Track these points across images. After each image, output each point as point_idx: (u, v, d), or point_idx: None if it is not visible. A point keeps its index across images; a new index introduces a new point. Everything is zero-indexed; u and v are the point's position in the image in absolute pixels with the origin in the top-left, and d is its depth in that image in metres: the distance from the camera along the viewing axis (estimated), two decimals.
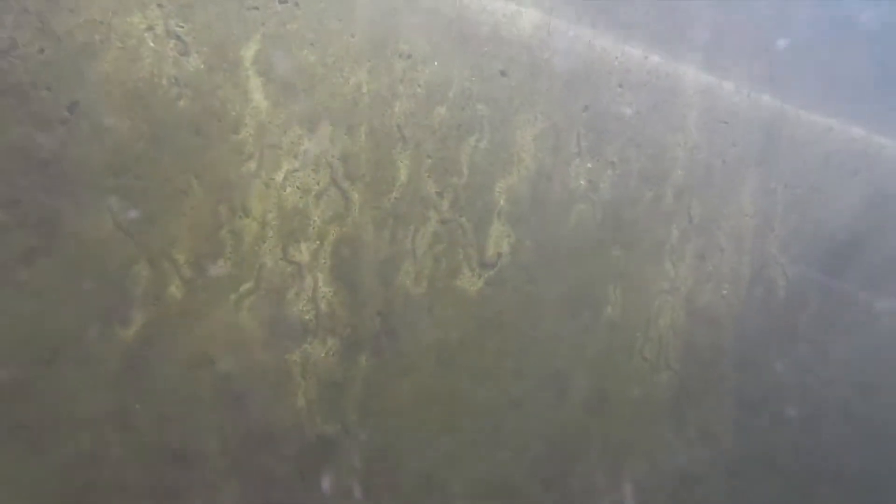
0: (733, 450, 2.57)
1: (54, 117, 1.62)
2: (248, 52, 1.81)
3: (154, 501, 1.75)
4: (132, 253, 1.75)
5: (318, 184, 1.93)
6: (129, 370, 1.74)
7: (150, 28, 1.69)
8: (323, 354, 1.95)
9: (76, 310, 1.69)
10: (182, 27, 1.74)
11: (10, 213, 1.59)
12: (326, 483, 1.94)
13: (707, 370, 2.50)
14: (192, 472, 1.79)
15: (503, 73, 2.17)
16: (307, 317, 1.94)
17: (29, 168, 1.60)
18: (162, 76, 1.72)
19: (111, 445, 1.72)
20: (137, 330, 1.75)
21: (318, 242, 1.95)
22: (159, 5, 1.70)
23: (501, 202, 2.19)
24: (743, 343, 2.62)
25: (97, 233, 1.72)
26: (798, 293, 2.76)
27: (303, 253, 1.93)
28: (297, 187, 1.90)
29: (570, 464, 2.29)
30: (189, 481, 1.79)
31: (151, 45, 1.70)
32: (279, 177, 1.87)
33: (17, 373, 1.64)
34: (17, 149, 1.59)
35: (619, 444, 2.37)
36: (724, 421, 2.59)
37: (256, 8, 1.81)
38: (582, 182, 2.32)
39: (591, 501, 2.30)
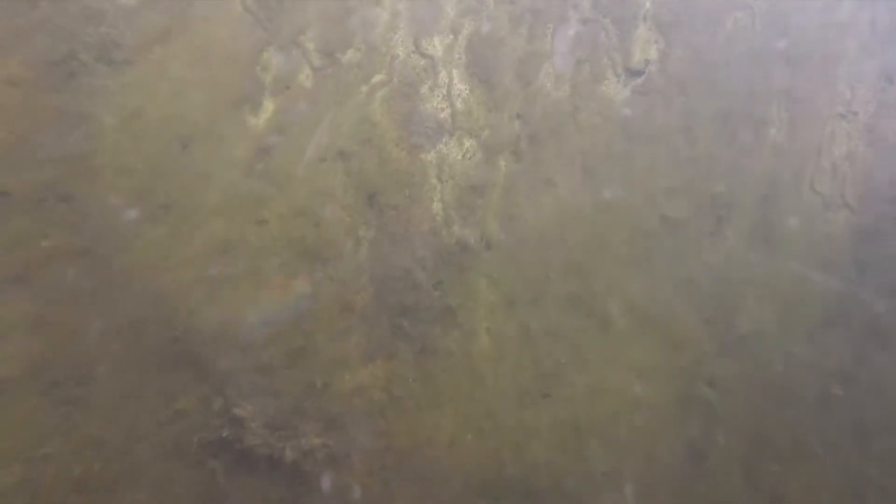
0: None
1: None
2: None
3: (283, 290, 1.67)
4: (262, 38, 1.68)
5: None
6: (261, 156, 1.67)
7: None
8: (459, 156, 1.81)
9: (209, 95, 1.64)
10: None
11: None
12: (461, 294, 1.80)
13: (893, 211, 2.14)
14: (326, 268, 1.70)
15: None
16: (442, 115, 1.80)
17: None
18: None
19: (246, 236, 1.66)
20: (268, 118, 1.68)
21: (451, 36, 1.81)
22: None
23: (647, 4, 1.96)
24: None
25: (227, 15, 1.66)
26: None
27: (436, 47, 1.79)
28: None
29: (731, 302, 2.02)
30: (320, 277, 1.70)
31: None
32: None
33: (155, 155, 1.60)
34: None
35: (788, 288, 2.07)
36: None
37: None
38: None
39: (763, 349, 2.02)
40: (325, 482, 1.67)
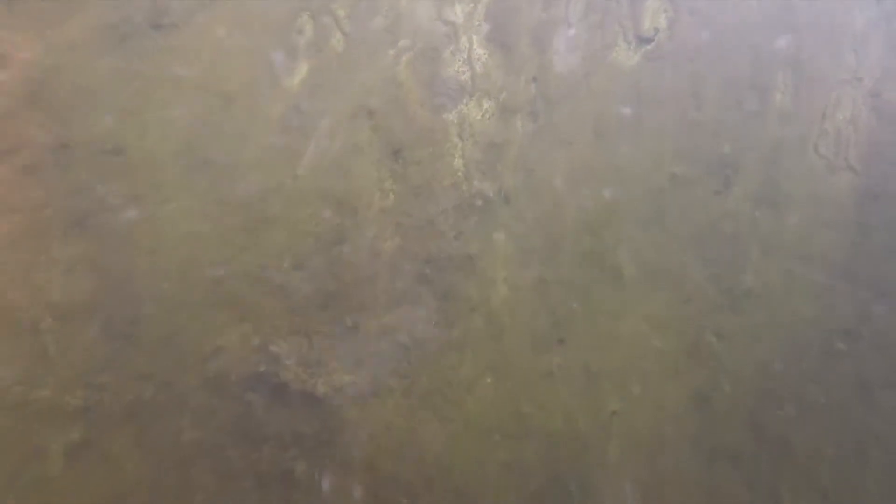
0: None
1: None
2: None
3: (316, 239, 1.80)
4: (297, 5, 1.81)
5: None
6: (295, 114, 1.80)
7: None
8: (479, 116, 1.93)
9: (247, 57, 1.78)
10: None
11: None
12: (480, 244, 1.92)
13: None
14: (355, 217, 1.83)
15: None
16: (463, 77, 1.92)
17: None
18: None
19: (281, 187, 1.79)
20: (302, 79, 1.81)
21: (472, 5, 1.93)
22: None
23: None
24: None
25: None
26: None
27: (457, 14, 1.92)
28: None
29: (738, 258, 2.12)
30: (349, 225, 1.83)
31: None
32: None
33: (199, 112, 1.74)
34: None
35: (792, 246, 2.17)
36: None
37: None
38: None
39: (768, 303, 2.12)
40: (352, 416, 1.80)
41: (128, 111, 1.69)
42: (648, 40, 2.07)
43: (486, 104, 1.94)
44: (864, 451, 2.15)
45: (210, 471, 1.73)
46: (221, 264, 1.73)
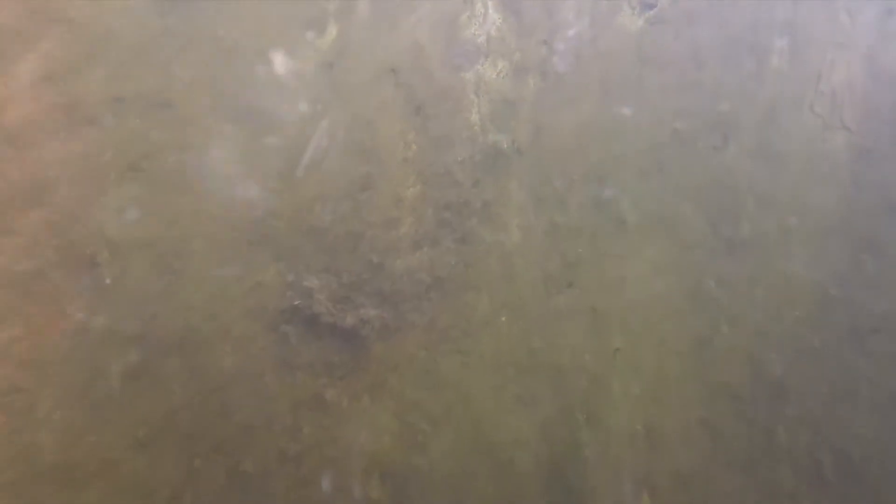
0: None
1: None
2: None
3: (346, 185, 1.98)
4: None
5: None
6: (326, 71, 1.97)
7: None
8: (494, 75, 2.09)
9: (283, 18, 1.95)
10: None
11: None
12: (495, 192, 2.09)
13: (892, 133, 2.36)
14: (381, 166, 2.00)
15: None
16: (479, 40, 2.09)
17: None
18: None
19: (319, 145, 1.97)
20: (332, 39, 1.99)
21: None
22: None
23: None
24: None
25: None
26: None
27: None
28: None
29: (735, 209, 2.26)
30: (375, 174, 2.00)
31: None
32: None
33: (238, 68, 1.92)
34: None
35: (788, 199, 2.31)
36: None
37: None
38: None
39: (765, 252, 2.26)
40: (378, 347, 1.97)
41: (175, 68, 1.87)
42: (651, 6, 2.22)
43: (500, 64, 2.10)
44: (854, 391, 2.29)
45: (249, 394, 1.91)
46: (260, 206, 1.90)
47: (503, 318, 2.07)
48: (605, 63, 2.17)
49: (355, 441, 1.98)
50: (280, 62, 1.95)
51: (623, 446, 2.11)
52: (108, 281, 1.82)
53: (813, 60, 2.33)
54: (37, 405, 1.76)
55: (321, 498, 1.97)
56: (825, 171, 2.33)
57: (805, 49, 2.32)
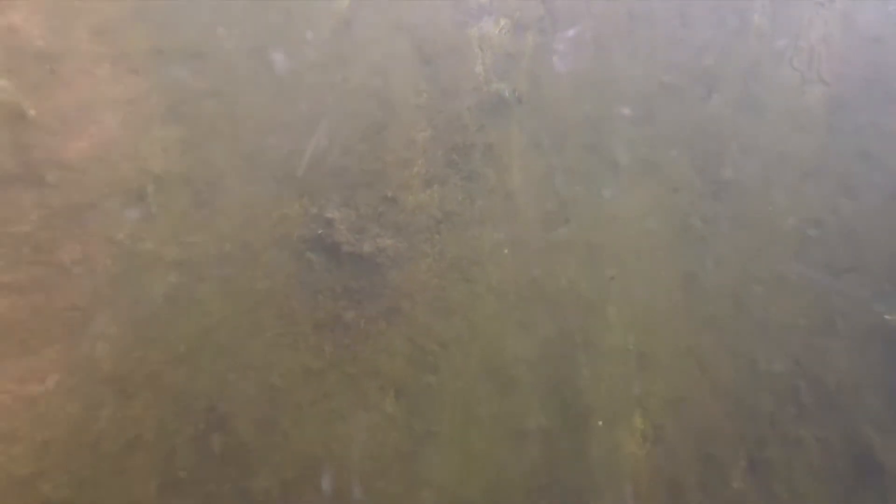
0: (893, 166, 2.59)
1: None
2: None
3: (363, 128, 2.19)
4: None
5: None
6: (345, 28, 2.19)
7: None
8: (496, 31, 2.31)
9: None
10: None
11: None
12: (498, 136, 2.30)
13: (866, 86, 2.55)
14: (394, 111, 2.22)
15: None
16: (483, 0, 2.30)
17: None
18: None
19: (333, 86, 2.18)
20: (350, 1, 2.20)
21: None
22: None
23: None
24: None
25: None
26: None
27: None
28: None
29: (720, 155, 2.46)
30: (389, 118, 2.22)
31: None
32: None
33: (269, 23, 2.14)
34: None
35: (768, 145, 2.51)
36: (882, 139, 2.62)
37: None
38: None
39: (747, 194, 2.46)
40: (393, 274, 2.19)
41: (208, 23, 2.09)
42: None
43: (502, 21, 2.31)
44: (831, 324, 2.49)
45: (276, 315, 2.13)
46: (286, 147, 2.12)
47: (506, 251, 2.28)
48: (598, 21, 2.38)
49: (372, 360, 2.19)
50: (303, 17, 2.17)
51: (617, 367, 2.32)
52: (153, 211, 2.04)
53: (792, 18, 2.52)
54: (91, 322, 1.98)
55: (343, 411, 2.18)
56: (803, 120, 2.52)
57: (785, 8, 2.51)
